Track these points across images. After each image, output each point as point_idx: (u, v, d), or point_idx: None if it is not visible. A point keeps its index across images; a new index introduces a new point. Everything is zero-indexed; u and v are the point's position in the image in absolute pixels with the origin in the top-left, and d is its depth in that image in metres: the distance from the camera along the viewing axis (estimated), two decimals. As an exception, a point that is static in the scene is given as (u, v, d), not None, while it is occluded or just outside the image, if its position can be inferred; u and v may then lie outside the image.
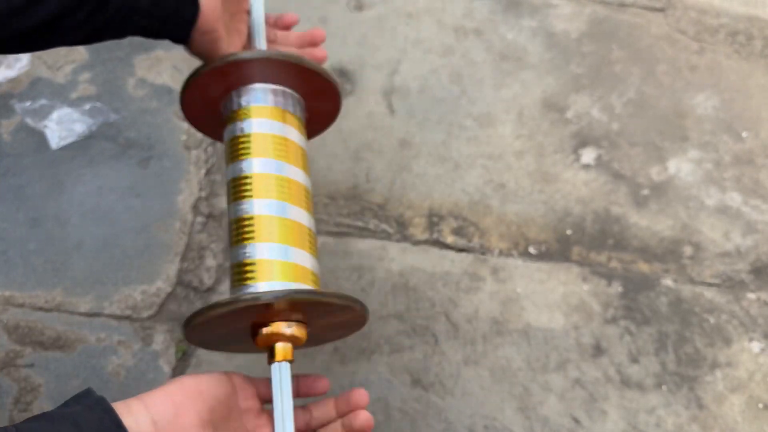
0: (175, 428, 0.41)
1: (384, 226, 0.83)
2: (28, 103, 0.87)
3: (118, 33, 0.51)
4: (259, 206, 0.51)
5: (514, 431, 0.72)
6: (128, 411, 0.39)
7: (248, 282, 0.49)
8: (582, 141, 0.88)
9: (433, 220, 0.83)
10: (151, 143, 0.86)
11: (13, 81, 0.89)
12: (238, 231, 0.52)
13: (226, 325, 0.48)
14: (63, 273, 0.79)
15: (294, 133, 0.56)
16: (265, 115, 0.54)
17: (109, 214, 0.82)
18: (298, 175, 0.54)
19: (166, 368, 0.75)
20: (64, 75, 0.89)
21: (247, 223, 0.51)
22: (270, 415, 0.48)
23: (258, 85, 0.55)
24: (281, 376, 0.47)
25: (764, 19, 0.95)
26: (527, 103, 0.90)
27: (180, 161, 0.85)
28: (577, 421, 0.73)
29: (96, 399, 0.39)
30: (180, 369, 0.75)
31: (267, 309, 0.46)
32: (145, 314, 0.77)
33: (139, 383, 0.74)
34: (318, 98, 0.58)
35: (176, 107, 0.88)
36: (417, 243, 0.82)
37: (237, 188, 0.53)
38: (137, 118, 0.87)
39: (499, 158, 0.87)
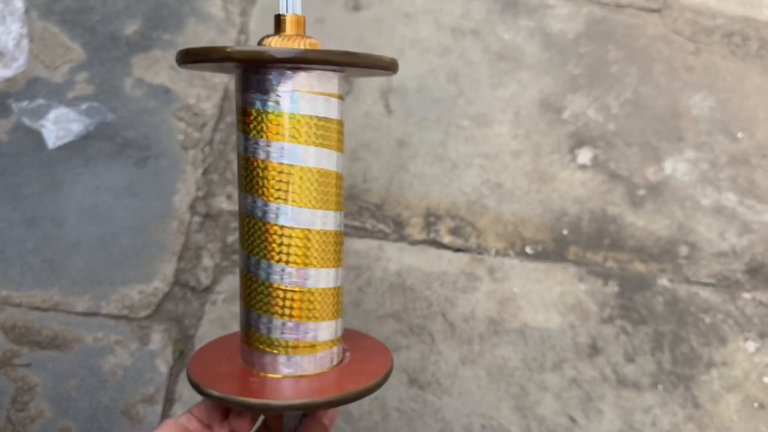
0: None
1: (381, 225, 0.83)
2: (25, 103, 0.87)
3: None
4: None
5: (511, 430, 0.72)
6: None
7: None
8: (579, 141, 0.88)
9: (430, 219, 0.83)
10: (148, 143, 0.86)
11: (10, 80, 0.89)
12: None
13: None
14: (60, 272, 0.79)
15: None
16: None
17: (107, 213, 0.82)
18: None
19: (163, 368, 0.75)
20: (61, 74, 0.89)
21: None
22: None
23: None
24: None
25: (760, 20, 0.96)
26: (524, 103, 0.90)
27: (177, 161, 0.85)
28: (573, 420, 0.73)
29: None
30: (177, 368, 0.75)
31: None
32: (142, 314, 0.77)
33: (136, 383, 0.74)
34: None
35: (174, 107, 0.88)
36: (414, 243, 0.82)
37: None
38: (134, 117, 0.87)
39: (496, 158, 0.87)
